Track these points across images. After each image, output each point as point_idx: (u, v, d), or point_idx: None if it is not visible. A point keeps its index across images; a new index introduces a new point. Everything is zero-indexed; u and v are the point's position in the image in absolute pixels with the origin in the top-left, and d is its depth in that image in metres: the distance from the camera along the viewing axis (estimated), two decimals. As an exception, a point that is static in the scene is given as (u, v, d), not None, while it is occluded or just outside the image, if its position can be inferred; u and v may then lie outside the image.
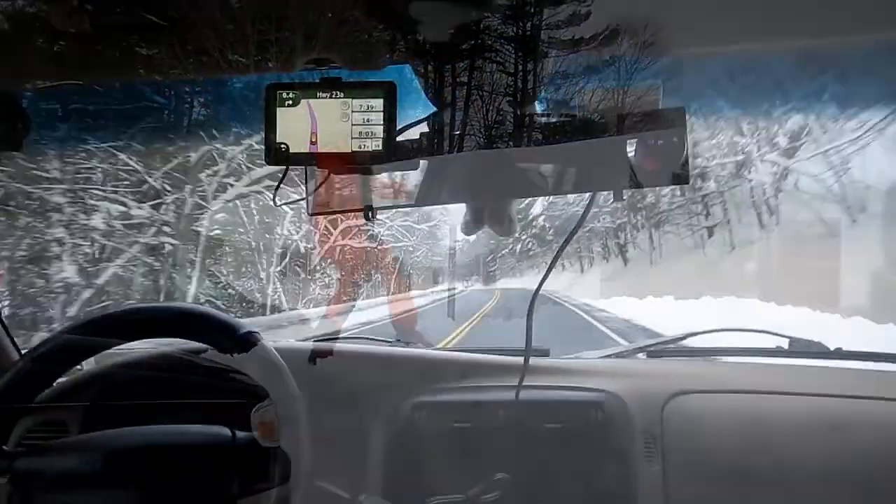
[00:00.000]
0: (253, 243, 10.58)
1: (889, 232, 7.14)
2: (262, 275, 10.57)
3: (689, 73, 0.78)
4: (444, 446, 0.85)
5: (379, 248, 16.71)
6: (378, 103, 0.59)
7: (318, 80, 0.61)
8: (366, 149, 0.59)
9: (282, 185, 0.68)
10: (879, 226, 7.38)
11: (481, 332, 7.94)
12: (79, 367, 0.78)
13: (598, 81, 0.64)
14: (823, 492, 0.80)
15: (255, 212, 9.99)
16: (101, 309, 6.41)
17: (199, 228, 8.28)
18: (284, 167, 0.63)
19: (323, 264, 13.84)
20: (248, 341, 0.67)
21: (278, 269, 11.35)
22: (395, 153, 0.60)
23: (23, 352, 0.89)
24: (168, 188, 7.61)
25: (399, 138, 0.61)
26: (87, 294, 6.33)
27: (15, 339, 0.92)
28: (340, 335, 1.12)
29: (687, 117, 0.64)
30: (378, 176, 0.67)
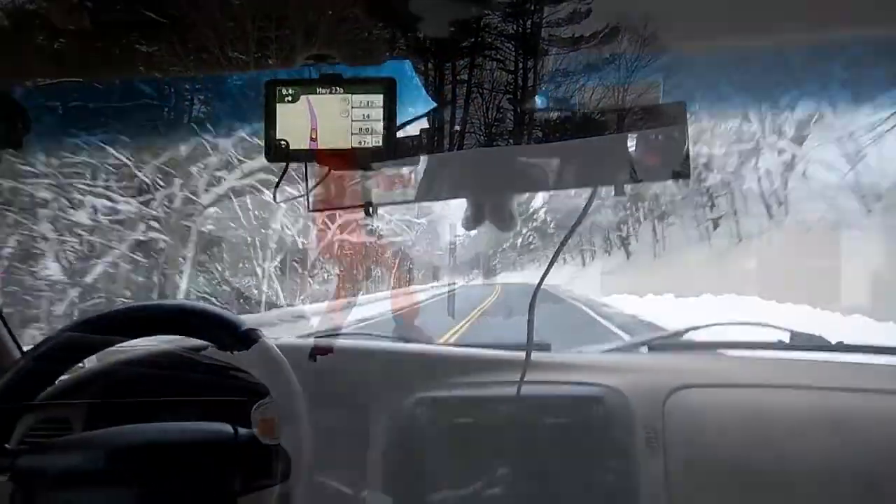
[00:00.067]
0: (248, 238, 10.54)
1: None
2: (258, 271, 10.54)
3: (692, 65, 0.80)
4: (445, 442, 0.87)
5: (377, 243, 16.72)
6: (378, 99, 0.60)
7: (317, 77, 0.62)
8: (366, 145, 0.60)
9: (277, 180, 0.70)
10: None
11: (481, 330, 7.89)
12: (81, 364, 0.80)
13: (599, 77, 0.65)
14: (825, 485, 0.81)
15: (249, 206, 9.95)
16: (91, 307, 6.39)
17: (190, 223, 8.20)
18: (284, 164, 0.64)
19: (322, 259, 13.80)
20: (248, 338, 0.68)
21: (275, 264, 11.30)
22: (395, 149, 0.61)
23: (24, 350, 0.90)
24: (158, 182, 7.54)
25: (399, 134, 0.62)
26: (74, 292, 6.29)
27: (16, 337, 0.93)
28: (340, 331, 1.13)
29: (688, 113, 0.65)
30: (378, 172, 0.68)
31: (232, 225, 9.80)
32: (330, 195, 0.71)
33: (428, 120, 0.63)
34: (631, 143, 0.66)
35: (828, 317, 5.22)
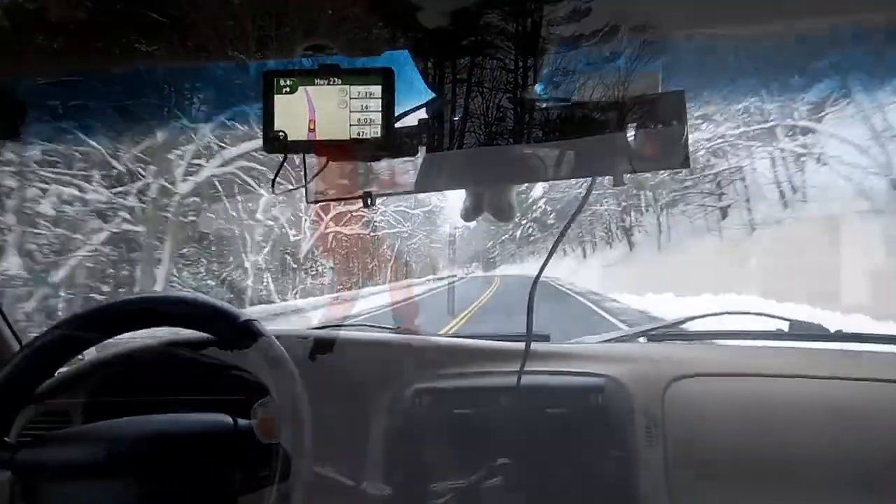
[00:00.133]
0: (236, 230, 10.40)
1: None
2: (247, 265, 10.45)
3: (694, 52, 0.81)
4: (445, 432, 0.89)
5: (372, 234, 16.68)
6: (376, 90, 0.61)
7: (315, 67, 0.63)
8: (364, 136, 0.61)
9: (275, 172, 0.71)
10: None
11: (480, 327, 7.90)
12: (80, 357, 0.81)
13: (598, 65, 0.67)
14: (824, 474, 0.84)
15: (238, 195, 9.83)
16: (65, 302, 6.32)
17: (167, 214, 8.01)
18: (283, 155, 0.65)
19: (315, 252, 13.69)
20: (247, 329, 0.70)
21: (264, 257, 11.18)
22: (393, 140, 0.62)
23: (24, 342, 0.92)
24: (136, 171, 7.39)
25: (398, 125, 0.63)
26: (44, 289, 6.20)
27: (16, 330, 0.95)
28: (340, 323, 1.15)
29: (688, 102, 0.67)
30: (376, 163, 0.70)
31: (209, 215, 9.66)
32: (328, 186, 0.72)
33: (427, 110, 0.64)
34: (630, 133, 0.67)
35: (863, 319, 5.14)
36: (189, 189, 8.11)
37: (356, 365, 0.93)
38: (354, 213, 14.28)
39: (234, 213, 10.11)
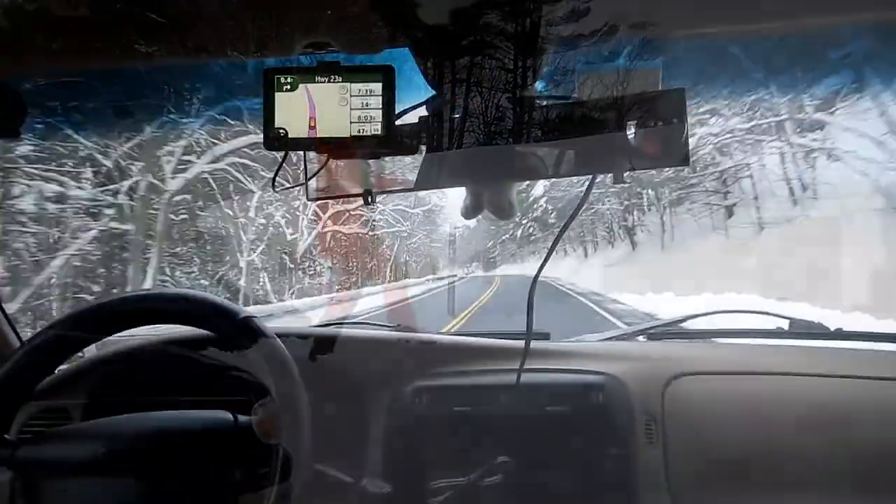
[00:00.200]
0: (230, 229, 10.32)
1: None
2: (242, 264, 10.40)
3: (700, 45, 0.82)
4: (445, 430, 0.90)
5: (371, 234, 16.67)
6: (377, 87, 0.62)
7: (315, 65, 0.64)
8: (365, 133, 0.62)
9: (276, 169, 0.72)
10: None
11: (480, 326, 7.84)
12: (80, 354, 0.83)
13: (599, 63, 0.68)
14: (823, 472, 0.85)
15: (230, 192, 9.75)
16: (51, 303, 6.26)
17: (156, 211, 7.87)
18: (283, 153, 0.66)
19: (313, 252, 13.65)
20: (246, 326, 0.71)
21: (260, 256, 11.10)
22: (394, 137, 0.63)
23: (24, 340, 0.93)
24: (125, 167, 7.25)
25: (398, 122, 0.64)
26: (28, 289, 6.12)
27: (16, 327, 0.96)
28: (340, 322, 1.16)
29: (692, 98, 0.68)
30: (377, 160, 0.71)
31: (201, 213, 9.55)
32: (328, 184, 0.74)
33: (427, 108, 0.65)
34: (630, 131, 0.68)
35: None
36: (179, 186, 8.05)
37: (356, 363, 0.94)
38: (353, 212, 14.28)
39: (229, 212, 10.05)
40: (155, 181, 7.72)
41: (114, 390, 0.87)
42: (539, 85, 0.67)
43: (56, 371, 0.77)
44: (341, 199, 0.81)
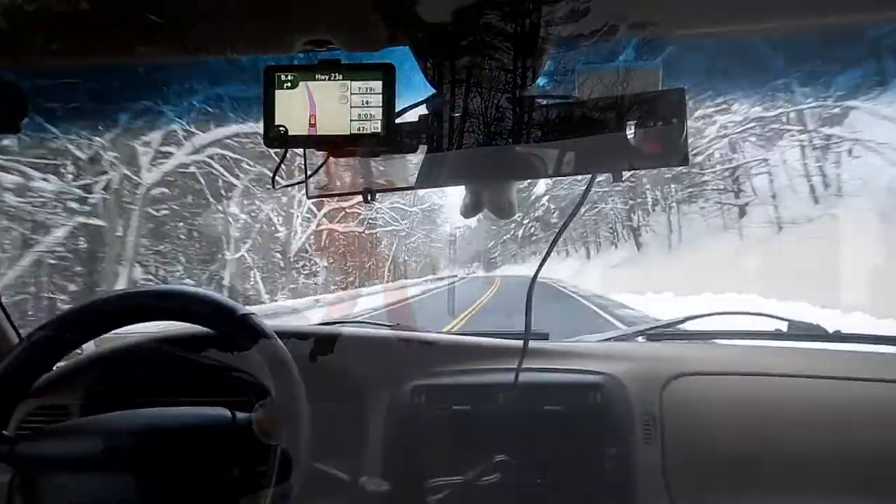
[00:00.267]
0: (218, 225, 10.15)
1: None
2: (231, 262, 10.30)
3: (697, 47, 0.84)
4: (443, 429, 0.92)
5: (367, 232, 16.66)
6: (377, 85, 0.64)
7: (316, 62, 0.66)
8: (365, 131, 0.64)
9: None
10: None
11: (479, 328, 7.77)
12: (79, 351, 0.85)
13: (598, 63, 0.70)
14: (821, 473, 0.88)
15: (217, 187, 9.61)
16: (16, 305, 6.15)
17: (133, 206, 7.71)
18: (283, 150, 0.68)
19: (309, 250, 13.58)
20: (245, 323, 0.73)
21: (250, 255, 10.97)
22: (394, 136, 0.65)
23: (22, 336, 0.95)
24: (99, 159, 7.06)
25: (398, 121, 0.65)
26: None
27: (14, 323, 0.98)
28: (337, 321, 1.18)
29: (693, 97, 0.70)
30: (377, 158, 0.73)
31: (184, 208, 9.34)
32: (328, 181, 0.76)
33: (427, 107, 0.67)
34: (630, 131, 0.70)
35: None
36: (157, 179, 7.89)
37: (355, 362, 0.96)
38: (349, 210, 14.28)
39: (217, 207, 9.91)
40: (130, 174, 7.53)
41: (112, 387, 0.89)
42: (539, 84, 0.69)
43: (54, 368, 0.79)
44: (347, 196, 0.83)
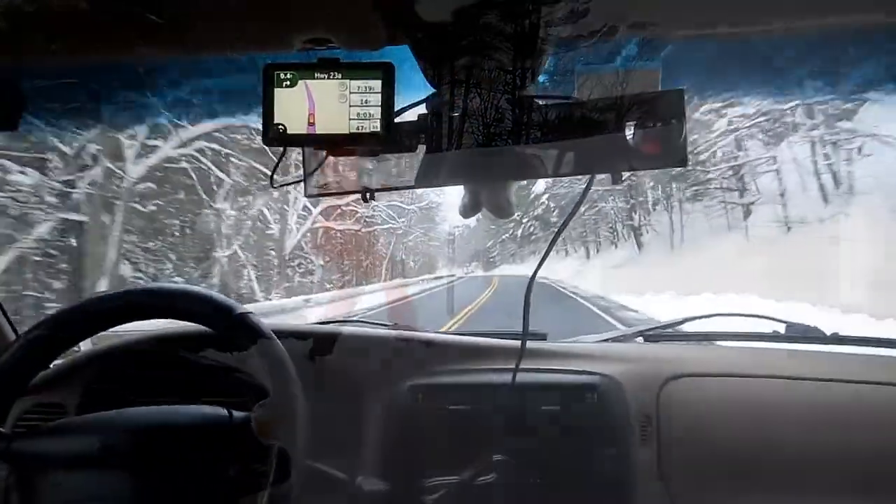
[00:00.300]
0: (211, 223, 10.04)
1: None
2: (223, 260, 10.23)
3: (697, 47, 0.85)
4: (440, 429, 0.93)
5: (364, 230, 16.65)
6: (376, 84, 0.65)
7: (315, 61, 0.67)
8: (364, 130, 0.64)
9: (274, 165, 0.75)
10: None
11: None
12: (76, 348, 0.86)
13: (598, 63, 0.71)
14: (817, 475, 0.89)
15: (213, 183, 9.50)
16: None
17: (119, 201, 7.61)
18: (282, 148, 0.69)
19: (305, 248, 13.53)
20: (243, 322, 0.74)
21: (244, 253, 10.87)
22: (393, 135, 0.65)
23: (19, 333, 0.96)
24: (84, 153, 7.00)
25: (397, 120, 0.66)
26: None
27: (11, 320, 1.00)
28: (335, 321, 1.20)
29: (686, 99, 0.71)
30: (376, 157, 0.74)
31: (162, 203, 9.19)
32: (327, 180, 0.77)
33: (427, 106, 0.68)
34: (629, 132, 0.71)
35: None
36: (143, 173, 7.78)
37: (353, 361, 0.97)
38: (345, 208, 14.27)
39: (202, 202, 9.77)
40: (115, 167, 7.41)
41: (109, 385, 0.90)
42: (538, 85, 0.70)
43: (51, 366, 0.80)
44: (346, 196, 0.83)
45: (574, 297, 12.91)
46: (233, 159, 9.55)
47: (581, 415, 0.92)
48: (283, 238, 12.43)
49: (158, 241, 9.92)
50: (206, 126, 7.72)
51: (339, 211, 14.20)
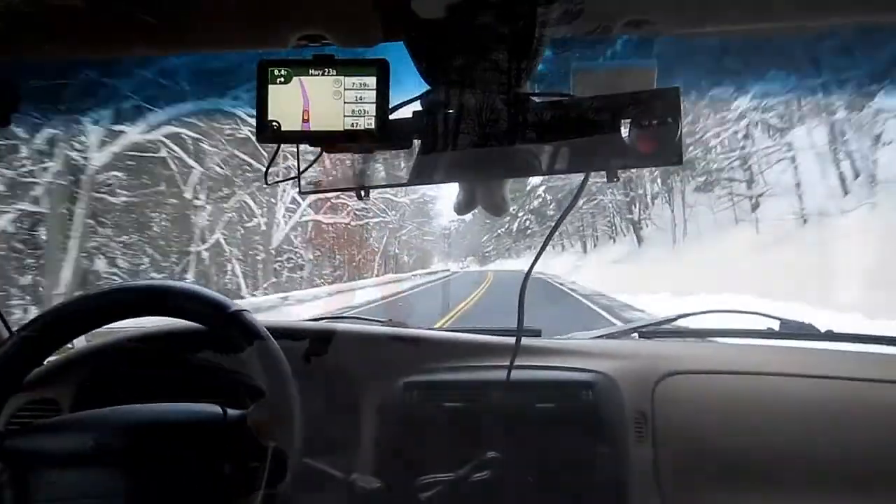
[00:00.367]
0: (191, 214, 9.81)
1: None
2: (204, 254, 10.05)
3: (695, 47, 0.87)
4: (434, 426, 0.96)
5: (354, 224, 16.60)
6: (371, 81, 0.66)
7: (310, 58, 0.68)
8: (358, 127, 0.66)
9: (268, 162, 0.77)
10: None
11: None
12: (70, 346, 0.88)
13: (593, 61, 0.74)
14: (811, 472, 0.93)
15: (186, 172, 9.24)
16: None
17: (79, 193, 7.35)
18: (276, 145, 0.71)
19: (294, 243, 13.42)
20: (236, 319, 0.76)
21: (228, 247, 10.70)
22: (387, 132, 0.67)
23: (13, 330, 0.98)
24: (42, 140, 6.75)
25: (392, 117, 0.68)
26: None
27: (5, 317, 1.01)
28: (330, 317, 1.22)
29: (682, 98, 0.73)
30: (370, 154, 0.76)
31: (128, 195, 8.91)
32: (321, 177, 0.79)
33: (421, 103, 0.70)
34: (625, 130, 0.74)
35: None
36: (106, 161, 7.54)
37: (347, 358, 0.99)
38: (335, 201, 14.23)
39: (186, 195, 9.56)
40: (75, 156, 7.15)
41: (102, 383, 0.92)
42: (534, 82, 0.73)
43: (45, 363, 0.82)
44: (340, 192, 0.85)
45: (572, 293, 12.85)
46: (204, 145, 9.30)
47: (576, 412, 0.95)
48: (270, 231, 12.36)
49: (134, 234, 9.74)
50: (174, 110, 7.54)
51: (329, 204, 14.15)
